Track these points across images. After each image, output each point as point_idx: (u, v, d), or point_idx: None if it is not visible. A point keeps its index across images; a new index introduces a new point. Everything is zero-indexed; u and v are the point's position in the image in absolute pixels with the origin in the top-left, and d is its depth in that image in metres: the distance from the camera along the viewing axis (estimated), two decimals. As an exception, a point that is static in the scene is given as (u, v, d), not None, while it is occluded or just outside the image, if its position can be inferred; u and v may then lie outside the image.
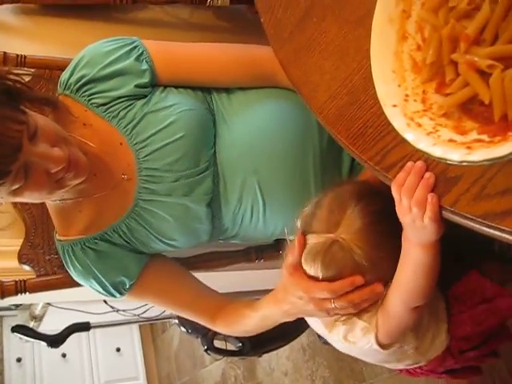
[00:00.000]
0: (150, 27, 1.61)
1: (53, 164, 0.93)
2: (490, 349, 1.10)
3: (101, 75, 1.06)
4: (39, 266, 1.23)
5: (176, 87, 1.11)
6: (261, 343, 2.05)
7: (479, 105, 0.66)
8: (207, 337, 2.10)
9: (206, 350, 2.14)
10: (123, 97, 1.06)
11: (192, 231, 1.11)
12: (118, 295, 1.12)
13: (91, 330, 2.44)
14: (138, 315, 2.37)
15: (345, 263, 0.90)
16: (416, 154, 0.74)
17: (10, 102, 0.89)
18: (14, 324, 2.17)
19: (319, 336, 1.11)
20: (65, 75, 1.09)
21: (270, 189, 1.11)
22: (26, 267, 1.23)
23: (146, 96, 1.07)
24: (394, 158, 0.78)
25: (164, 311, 2.35)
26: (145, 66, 1.08)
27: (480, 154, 0.60)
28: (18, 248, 1.24)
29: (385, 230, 0.89)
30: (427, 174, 0.72)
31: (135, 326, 3.85)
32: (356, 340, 0.98)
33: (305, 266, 0.93)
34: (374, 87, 0.76)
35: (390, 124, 0.74)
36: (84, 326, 2.20)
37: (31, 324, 2.83)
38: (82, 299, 1.97)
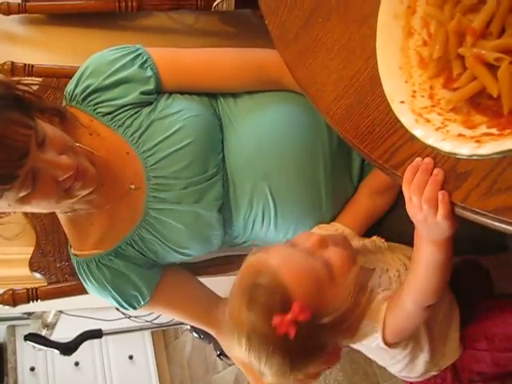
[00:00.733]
0: (156, 34, 1.62)
1: (60, 171, 0.93)
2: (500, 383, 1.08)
3: (106, 84, 1.06)
4: (50, 273, 1.24)
5: (181, 93, 1.11)
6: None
7: (487, 98, 0.66)
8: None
9: (218, 356, 2.14)
10: (129, 105, 1.06)
11: (204, 238, 1.11)
12: (132, 309, 1.13)
13: (103, 339, 2.44)
14: (150, 321, 2.37)
15: None
16: (425, 151, 0.74)
17: (18, 108, 0.89)
18: (26, 333, 2.18)
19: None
20: (70, 86, 1.09)
21: (281, 193, 1.10)
22: (38, 275, 1.24)
23: (151, 103, 1.07)
24: (402, 155, 0.77)
25: (175, 317, 2.35)
26: (149, 73, 1.08)
27: (490, 148, 0.60)
28: (29, 256, 1.24)
29: None
30: (436, 171, 0.72)
31: (147, 334, 3.85)
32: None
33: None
34: (381, 85, 0.76)
35: (398, 121, 0.74)
36: (96, 334, 2.21)
37: (43, 332, 2.84)
38: (93, 306, 1.98)
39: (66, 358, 2.25)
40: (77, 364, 3.59)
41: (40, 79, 1.27)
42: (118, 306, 1.13)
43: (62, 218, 1.12)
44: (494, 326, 1.03)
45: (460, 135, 0.65)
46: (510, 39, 0.64)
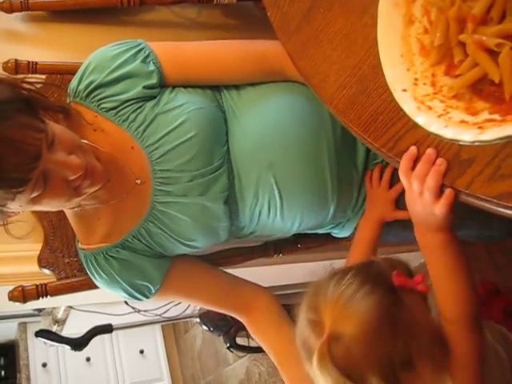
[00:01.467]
0: (158, 28, 1.62)
1: (70, 172, 0.93)
2: None
3: (109, 79, 1.06)
4: (59, 269, 1.24)
5: (185, 87, 1.11)
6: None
7: (489, 84, 0.66)
8: (229, 334, 2.09)
9: (228, 348, 2.14)
10: (132, 99, 1.06)
11: (211, 230, 1.11)
12: (143, 299, 1.13)
13: (114, 333, 2.45)
14: (160, 315, 2.38)
15: None
16: (428, 139, 0.74)
17: (28, 111, 0.89)
18: (37, 329, 2.19)
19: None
20: (73, 83, 1.09)
21: (287, 183, 1.11)
22: (46, 271, 1.24)
23: (155, 97, 1.07)
24: (406, 143, 0.77)
25: (185, 310, 2.36)
26: (152, 67, 1.08)
27: (492, 133, 0.60)
28: (38, 252, 1.25)
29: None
30: (439, 161, 0.72)
31: (158, 328, 3.87)
32: None
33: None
34: (383, 74, 0.76)
35: (400, 110, 0.74)
36: (106, 328, 2.21)
37: (54, 328, 2.86)
38: (102, 301, 1.98)
39: (78, 353, 2.26)
40: (88, 359, 3.62)
41: (44, 77, 1.27)
42: (128, 298, 1.13)
43: (68, 213, 1.13)
44: None
45: (462, 122, 0.65)
46: (510, 24, 0.64)
